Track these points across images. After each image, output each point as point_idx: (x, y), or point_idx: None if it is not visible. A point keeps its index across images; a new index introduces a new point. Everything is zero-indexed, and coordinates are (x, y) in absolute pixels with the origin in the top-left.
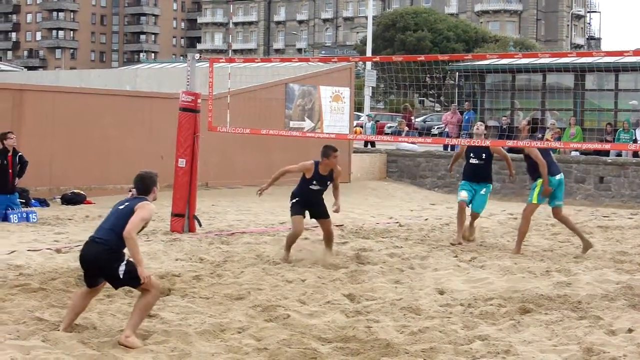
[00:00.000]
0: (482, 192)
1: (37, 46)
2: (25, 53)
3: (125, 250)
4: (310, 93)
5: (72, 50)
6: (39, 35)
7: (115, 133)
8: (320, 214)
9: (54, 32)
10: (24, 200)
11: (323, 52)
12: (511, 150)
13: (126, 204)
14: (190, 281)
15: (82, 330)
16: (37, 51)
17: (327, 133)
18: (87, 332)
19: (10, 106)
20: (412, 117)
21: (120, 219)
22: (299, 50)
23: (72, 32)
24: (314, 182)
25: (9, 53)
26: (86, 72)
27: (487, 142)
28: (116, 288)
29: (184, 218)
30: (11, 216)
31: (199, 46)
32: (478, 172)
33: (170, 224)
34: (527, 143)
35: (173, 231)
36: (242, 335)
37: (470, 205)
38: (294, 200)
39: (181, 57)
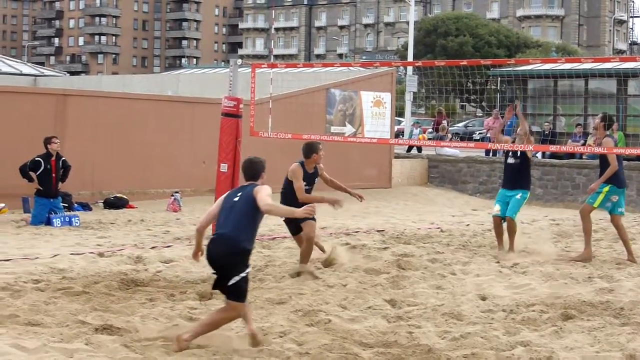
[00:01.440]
0: (517, 197)
1: (80, 51)
2: (68, 58)
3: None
4: (351, 98)
5: (114, 55)
6: (81, 41)
7: (157, 138)
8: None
9: (97, 37)
10: (66, 205)
11: (364, 57)
12: (554, 155)
13: (239, 194)
14: None
15: (125, 333)
16: (79, 56)
17: (368, 138)
18: (130, 335)
19: (53, 111)
20: (444, 121)
21: (240, 210)
22: (340, 55)
23: (114, 37)
24: (305, 184)
25: (52, 58)
26: (128, 77)
27: (531, 147)
28: (214, 288)
29: None
30: (54, 220)
31: (240, 51)
32: (515, 173)
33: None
34: (574, 147)
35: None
36: (284, 340)
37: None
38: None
39: (222, 63)
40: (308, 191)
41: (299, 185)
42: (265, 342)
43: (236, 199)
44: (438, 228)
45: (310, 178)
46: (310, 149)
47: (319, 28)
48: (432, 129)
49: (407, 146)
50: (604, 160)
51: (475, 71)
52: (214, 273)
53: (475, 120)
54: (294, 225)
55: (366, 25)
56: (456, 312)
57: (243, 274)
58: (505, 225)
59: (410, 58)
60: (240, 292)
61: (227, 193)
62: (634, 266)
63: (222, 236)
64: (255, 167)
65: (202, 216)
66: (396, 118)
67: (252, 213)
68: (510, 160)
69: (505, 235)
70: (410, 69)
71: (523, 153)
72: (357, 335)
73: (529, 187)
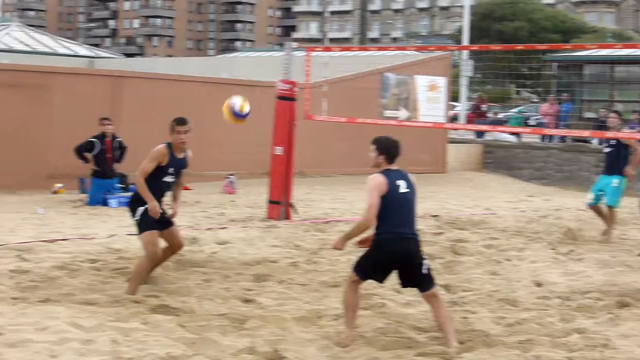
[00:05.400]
0: (614, 183)
1: (135, 34)
2: (123, 40)
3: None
4: (406, 82)
5: (168, 38)
6: (136, 23)
7: (212, 120)
8: (168, 219)
9: (151, 19)
10: (123, 185)
11: (418, 41)
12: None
13: (402, 183)
14: (287, 268)
15: (181, 314)
16: (134, 39)
17: (423, 122)
18: (186, 315)
19: (110, 92)
20: (483, 106)
21: (414, 204)
22: (394, 39)
23: (169, 20)
24: (170, 171)
25: (108, 40)
26: (183, 59)
27: (587, 134)
28: (404, 286)
29: (281, 205)
30: (110, 201)
31: (294, 35)
32: (610, 159)
33: (267, 211)
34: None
35: (269, 218)
36: (338, 323)
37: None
38: (145, 207)
39: (276, 46)
40: (170, 183)
41: (143, 166)
42: (319, 325)
43: (405, 190)
44: (493, 214)
45: (177, 165)
46: (171, 123)
47: (374, 12)
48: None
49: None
50: (624, 149)
51: (531, 56)
52: (386, 268)
53: (531, 106)
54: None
55: (421, 9)
56: (511, 298)
57: (426, 260)
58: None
59: (465, 42)
60: (432, 277)
61: (385, 181)
62: None
63: (412, 235)
64: (400, 147)
65: (370, 211)
66: (451, 103)
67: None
68: (606, 150)
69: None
70: (465, 53)
71: (617, 143)
72: (411, 320)
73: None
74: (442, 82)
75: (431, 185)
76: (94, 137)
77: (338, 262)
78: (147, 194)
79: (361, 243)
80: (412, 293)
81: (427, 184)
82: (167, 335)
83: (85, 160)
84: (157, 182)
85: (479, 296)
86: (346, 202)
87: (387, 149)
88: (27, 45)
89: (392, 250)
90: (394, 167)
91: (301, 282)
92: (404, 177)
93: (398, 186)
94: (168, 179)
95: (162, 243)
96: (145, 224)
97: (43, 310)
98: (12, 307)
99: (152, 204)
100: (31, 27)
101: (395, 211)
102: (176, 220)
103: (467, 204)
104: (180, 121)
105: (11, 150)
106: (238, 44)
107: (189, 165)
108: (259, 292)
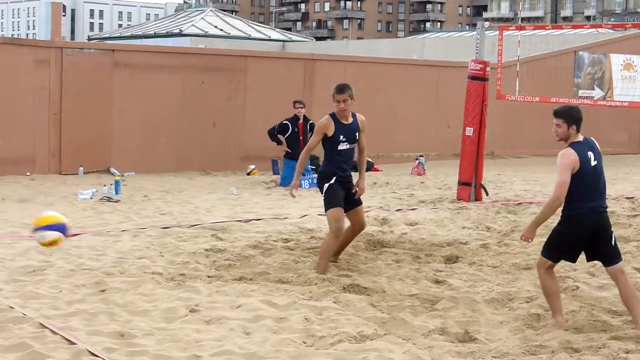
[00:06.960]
0: None
1: (325, 17)
2: (314, 24)
3: None
4: (600, 61)
5: (359, 20)
6: (327, 6)
7: (402, 102)
8: (357, 199)
9: (342, 2)
10: (314, 167)
11: (612, 19)
12: None
13: (593, 156)
14: (478, 249)
15: (372, 293)
16: (325, 22)
17: (619, 101)
18: (377, 295)
19: (302, 75)
20: None
21: (603, 176)
22: (588, 17)
23: (359, 2)
24: (342, 138)
25: (299, 24)
26: (374, 41)
27: None
28: (590, 259)
29: (471, 186)
30: (302, 182)
31: (485, 15)
32: None
33: (457, 192)
34: None
35: (459, 199)
36: (531, 305)
37: None
38: (329, 183)
39: (467, 27)
40: (349, 154)
41: (311, 140)
42: (511, 307)
43: (594, 163)
44: None
45: (347, 131)
46: (333, 89)
47: None
48: None
49: None
50: None
51: None
52: (577, 246)
53: None
54: (342, 194)
55: None
56: None
57: (613, 232)
58: None
59: None
60: (618, 250)
61: (577, 157)
62: None
63: (603, 209)
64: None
65: (561, 189)
66: None
67: None
68: None
69: None
70: None
71: None
72: (605, 303)
73: None
74: (638, 60)
75: (626, 166)
76: (287, 120)
77: (530, 244)
78: (298, 169)
79: None
80: (606, 276)
81: (621, 164)
82: (359, 314)
83: (279, 142)
84: (335, 153)
85: None
86: (538, 184)
87: (578, 118)
88: (221, 30)
89: (584, 224)
90: (580, 137)
91: (492, 264)
92: (591, 147)
93: (589, 160)
94: (343, 146)
95: (347, 223)
96: (331, 200)
97: (238, 289)
98: (208, 285)
99: (294, 182)
100: (225, 12)
101: (586, 185)
102: (366, 200)
103: None
104: (339, 89)
105: (207, 132)
106: (428, 24)
107: (364, 130)
108: (450, 274)
